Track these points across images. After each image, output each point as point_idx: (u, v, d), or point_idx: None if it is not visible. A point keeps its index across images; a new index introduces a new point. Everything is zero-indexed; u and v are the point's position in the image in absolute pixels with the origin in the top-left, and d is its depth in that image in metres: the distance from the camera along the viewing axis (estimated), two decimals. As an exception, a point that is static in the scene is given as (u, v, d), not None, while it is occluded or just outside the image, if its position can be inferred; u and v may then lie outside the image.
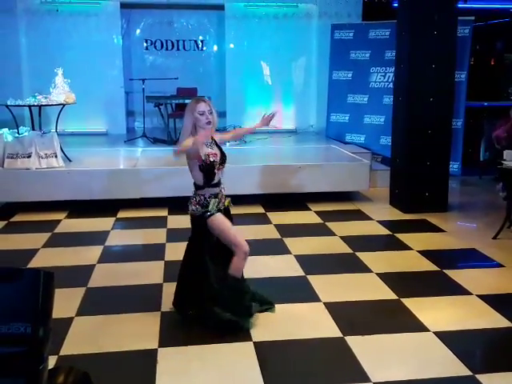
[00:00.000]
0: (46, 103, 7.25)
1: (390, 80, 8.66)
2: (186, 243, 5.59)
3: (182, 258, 4.80)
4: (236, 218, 4.00)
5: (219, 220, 3.70)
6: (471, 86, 8.45)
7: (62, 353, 3.47)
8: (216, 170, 3.69)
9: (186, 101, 9.12)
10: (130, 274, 4.80)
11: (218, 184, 3.76)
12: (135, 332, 3.77)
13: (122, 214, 6.70)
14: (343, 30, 9.45)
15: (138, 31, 10.88)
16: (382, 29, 8.92)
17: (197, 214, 3.73)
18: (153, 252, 5.40)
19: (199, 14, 10.93)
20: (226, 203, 3.82)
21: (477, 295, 4.34)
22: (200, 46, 11.07)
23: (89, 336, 3.72)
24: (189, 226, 6.22)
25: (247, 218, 6.41)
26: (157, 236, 5.88)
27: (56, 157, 6.89)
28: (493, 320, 3.94)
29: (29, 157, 6.71)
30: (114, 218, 6.54)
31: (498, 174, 6.01)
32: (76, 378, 2.24)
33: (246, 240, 3.75)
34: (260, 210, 6.88)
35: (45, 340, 2.07)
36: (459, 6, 6.99)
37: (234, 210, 3.93)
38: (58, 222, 6.39)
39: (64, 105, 7.41)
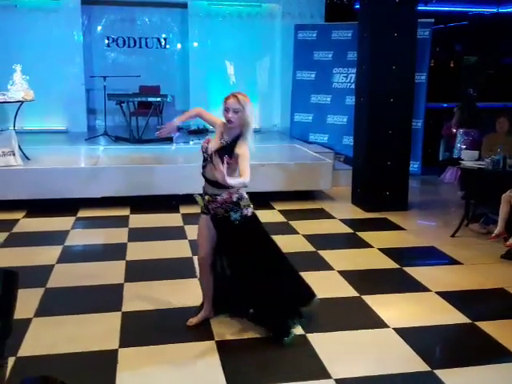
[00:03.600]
0: (4, 100, 7.06)
1: (352, 81, 8.76)
2: (147, 242, 5.60)
3: (144, 258, 4.80)
4: (195, 218, 3.85)
5: (200, 222, 3.68)
6: (431, 87, 8.61)
7: (19, 354, 3.39)
8: (203, 162, 3.51)
9: (149, 99, 9.09)
10: (90, 275, 4.71)
11: (209, 183, 3.49)
12: (95, 333, 3.71)
13: (82, 213, 6.59)
14: (306, 31, 9.52)
15: (99, 28, 10.72)
16: (345, 30, 9.02)
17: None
18: (114, 252, 5.32)
19: (162, 11, 10.84)
20: (218, 212, 3.53)
21: (435, 292, 4.42)
22: (163, 43, 10.98)
23: (48, 337, 3.64)
24: (150, 225, 6.22)
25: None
26: (118, 235, 5.80)
27: (14, 155, 6.73)
28: (451, 316, 4.02)
29: (-14, 155, 6.54)
30: (74, 218, 6.42)
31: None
32: None
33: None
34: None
35: (4, 337, 2.03)
36: (419, 8, 7.11)
37: (185, 210, 3.82)
38: (16, 221, 6.24)
39: (22, 102, 7.22)
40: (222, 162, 3.11)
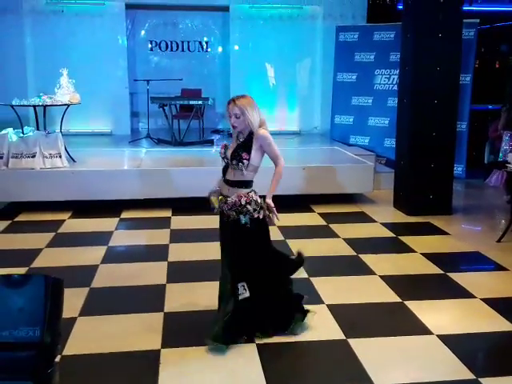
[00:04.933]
0: (51, 103, 7.25)
1: (394, 82, 8.65)
2: (189, 244, 5.66)
3: (185, 259, 4.83)
4: None
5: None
6: (476, 88, 8.43)
7: (65, 353, 3.47)
8: (223, 162, 3.61)
9: (191, 102, 9.18)
10: (133, 275, 4.80)
11: (227, 182, 3.58)
12: (138, 333, 3.76)
13: (125, 215, 6.71)
14: (348, 32, 9.44)
15: (142, 32, 10.89)
16: (387, 31, 8.92)
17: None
18: (156, 253, 5.40)
19: (204, 15, 10.93)
20: (231, 214, 3.55)
21: (480, 298, 4.32)
22: (204, 47, 11.08)
23: (92, 336, 3.72)
24: (192, 226, 6.28)
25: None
26: (160, 237, 5.88)
27: (60, 157, 6.91)
28: (496, 323, 3.92)
29: (33, 157, 6.73)
30: (117, 219, 6.54)
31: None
32: None
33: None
34: (264, 211, 6.86)
35: (53, 344, 2.07)
36: (464, 8, 6.97)
37: None
38: (62, 221, 6.40)
39: (69, 105, 7.42)
40: (240, 162, 3.43)
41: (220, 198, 3.58)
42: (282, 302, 3.71)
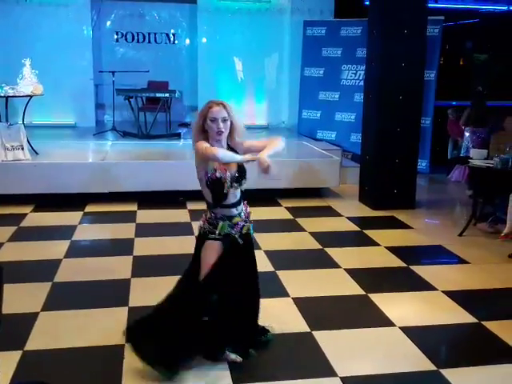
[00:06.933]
0: (13, 94, 7.09)
1: (360, 78, 8.72)
2: (154, 238, 5.61)
3: (151, 254, 4.75)
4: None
5: (212, 250, 3.09)
6: (440, 85, 8.57)
7: (26, 348, 3.41)
8: (227, 190, 3.02)
9: (157, 94, 9.09)
10: (97, 269, 4.73)
11: (235, 205, 3.11)
12: (102, 327, 3.72)
13: (89, 209, 6.61)
14: (315, 27, 9.48)
15: (108, 23, 10.72)
16: (354, 26, 8.99)
17: (201, 232, 3.13)
18: (121, 247, 5.34)
19: (171, 6, 10.83)
20: (244, 229, 3.15)
21: (442, 291, 4.41)
22: (172, 39, 10.98)
23: (54, 331, 3.66)
24: (158, 220, 6.23)
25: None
26: (125, 231, 5.81)
27: (23, 149, 6.76)
28: (458, 316, 4.01)
29: (-6, 149, 6.57)
30: (81, 212, 6.44)
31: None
32: None
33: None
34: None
35: None
36: (429, 5, 7.08)
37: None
38: (24, 215, 6.27)
39: (31, 96, 7.25)
40: (244, 178, 3.08)
41: (237, 219, 3.13)
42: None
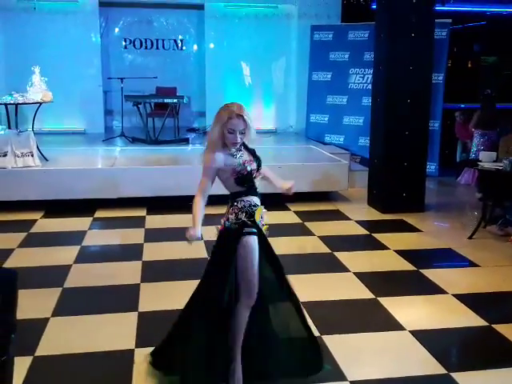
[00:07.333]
0: (23, 101, 7.16)
1: (368, 81, 8.71)
2: (163, 243, 5.62)
3: (160, 259, 4.74)
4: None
5: (253, 245, 2.94)
6: (448, 87, 8.54)
7: (37, 353, 3.43)
8: (254, 179, 3.04)
9: (165, 100, 9.13)
10: (107, 275, 4.75)
11: (258, 193, 3.08)
12: (112, 332, 3.73)
13: (99, 214, 6.64)
14: (323, 32, 9.49)
15: (116, 30, 10.79)
16: (361, 30, 8.99)
17: (231, 226, 2.96)
18: (130, 252, 5.35)
19: (179, 13, 10.88)
20: (264, 229, 3.08)
21: (452, 294, 4.39)
22: (180, 45, 11.03)
23: (65, 337, 3.68)
24: (167, 225, 6.24)
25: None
26: (134, 236, 5.83)
27: (32, 156, 6.81)
28: (468, 319, 3.98)
29: (4, 156, 6.62)
30: (91, 218, 6.47)
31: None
32: None
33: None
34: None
35: (5, 334, 2.08)
36: (437, 8, 7.07)
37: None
38: (34, 221, 6.31)
39: (41, 103, 7.32)
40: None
41: (265, 227, 3.12)
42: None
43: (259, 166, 3.07)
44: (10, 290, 2.22)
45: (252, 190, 3.04)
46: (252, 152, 3.08)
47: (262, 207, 3.08)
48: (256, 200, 3.05)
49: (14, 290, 2.26)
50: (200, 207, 2.98)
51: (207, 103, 10.39)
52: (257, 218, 3.01)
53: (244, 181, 2.98)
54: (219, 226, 3.06)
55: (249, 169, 2.98)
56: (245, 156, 3.01)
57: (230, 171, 2.95)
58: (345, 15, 10.43)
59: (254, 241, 2.96)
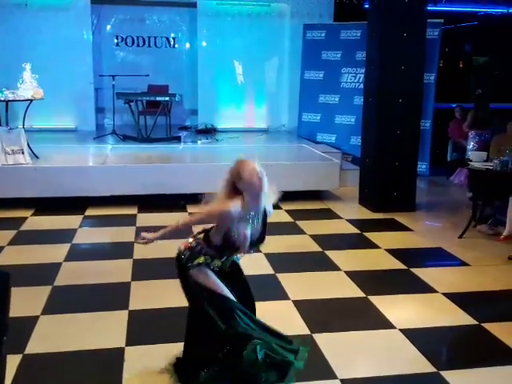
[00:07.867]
0: (13, 98, 7.10)
1: (360, 80, 8.73)
2: (154, 241, 5.59)
3: (151, 257, 4.74)
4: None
5: (204, 273, 2.91)
6: (440, 87, 8.58)
7: (26, 351, 3.42)
8: (239, 251, 2.91)
9: (157, 98, 9.10)
10: (98, 273, 4.74)
11: (232, 255, 2.97)
12: (102, 331, 3.72)
13: (90, 212, 6.61)
14: (315, 30, 9.51)
15: (108, 27, 10.74)
16: (353, 29, 9.01)
17: (181, 258, 3.02)
18: (121, 250, 5.33)
19: (171, 11, 10.83)
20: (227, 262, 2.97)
21: (442, 293, 4.41)
22: (172, 43, 10.99)
23: (54, 335, 3.66)
24: (158, 223, 6.20)
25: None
26: (125, 234, 5.81)
27: (23, 153, 6.77)
28: (458, 318, 4.01)
29: (-5, 153, 6.59)
30: (81, 216, 6.45)
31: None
32: None
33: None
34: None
35: None
36: (429, 8, 7.09)
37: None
38: (25, 219, 6.28)
39: (31, 100, 7.27)
40: None
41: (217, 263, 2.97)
42: None
43: (258, 242, 2.96)
44: (2, 291, 2.21)
45: (225, 253, 2.91)
46: (264, 224, 2.96)
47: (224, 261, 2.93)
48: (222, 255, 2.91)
49: (6, 292, 2.25)
50: (177, 228, 2.99)
51: (199, 101, 10.39)
52: (196, 261, 2.91)
53: (227, 243, 2.83)
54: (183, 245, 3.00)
55: (237, 244, 2.82)
56: (254, 227, 2.88)
57: (227, 227, 2.80)
58: (337, 14, 10.43)
59: (201, 270, 2.89)
